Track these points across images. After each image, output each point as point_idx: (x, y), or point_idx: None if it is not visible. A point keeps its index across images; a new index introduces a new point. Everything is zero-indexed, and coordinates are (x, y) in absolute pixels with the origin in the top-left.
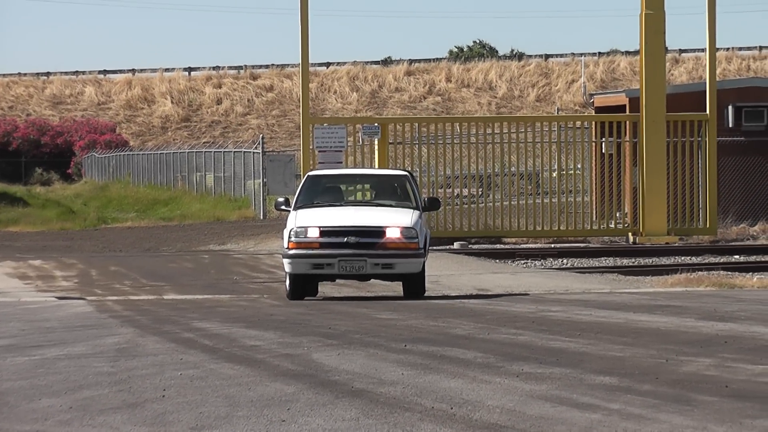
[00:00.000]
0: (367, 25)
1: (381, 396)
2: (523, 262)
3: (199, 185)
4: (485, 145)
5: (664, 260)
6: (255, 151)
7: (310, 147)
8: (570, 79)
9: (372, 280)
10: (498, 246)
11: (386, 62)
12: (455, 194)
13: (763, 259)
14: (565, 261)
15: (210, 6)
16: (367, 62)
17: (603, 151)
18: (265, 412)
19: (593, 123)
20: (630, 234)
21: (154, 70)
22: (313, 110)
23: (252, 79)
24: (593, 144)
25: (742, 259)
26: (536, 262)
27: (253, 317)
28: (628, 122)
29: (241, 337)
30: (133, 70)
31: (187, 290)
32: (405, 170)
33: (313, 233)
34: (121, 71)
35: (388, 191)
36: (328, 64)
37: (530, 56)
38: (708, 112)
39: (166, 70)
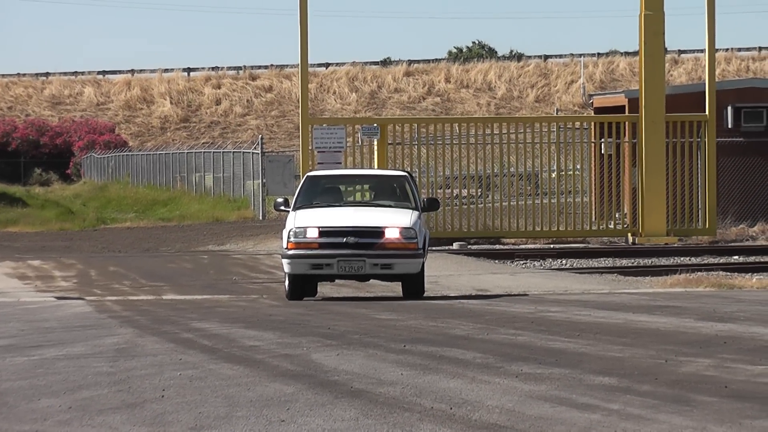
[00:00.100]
0: (366, 25)
1: (380, 396)
2: (522, 262)
3: (198, 186)
4: (484, 145)
5: (664, 261)
6: (254, 151)
7: (310, 147)
8: (569, 79)
9: (371, 280)
10: (497, 246)
11: (385, 63)
12: (454, 195)
13: (762, 260)
14: (564, 261)
15: (209, 6)
16: (366, 63)
17: (602, 151)
18: (264, 413)
19: (592, 124)
20: (629, 234)
21: (153, 71)
22: (312, 111)
23: (251, 80)
24: (592, 145)
25: (741, 259)
26: (535, 262)
27: (252, 317)
28: (627, 123)
29: (240, 338)
30: (132, 71)
31: (186, 290)
32: (404, 171)
33: (312, 233)
34: (120, 72)
35: (387, 192)
36: (327, 65)
37: (529, 57)
38: (707, 112)
39: (165, 70)
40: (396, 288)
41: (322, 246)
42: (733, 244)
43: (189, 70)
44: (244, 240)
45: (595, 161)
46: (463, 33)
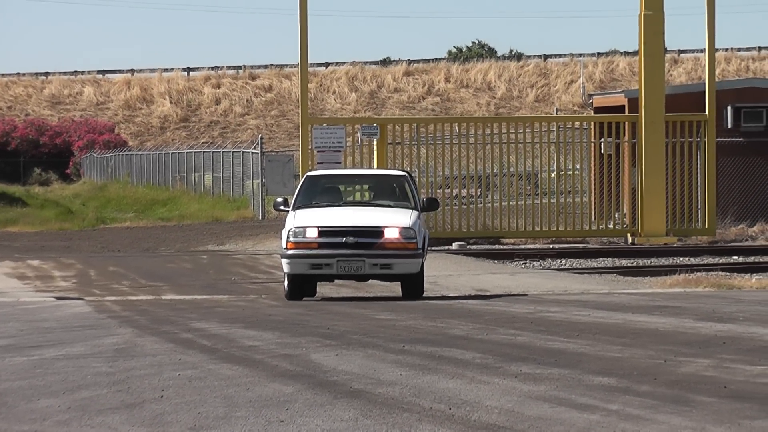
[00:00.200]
0: (366, 25)
1: (379, 396)
2: (521, 262)
3: (198, 185)
4: (484, 145)
5: (663, 261)
6: (254, 151)
7: (309, 147)
8: (569, 79)
9: (370, 280)
10: (497, 246)
11: (385, 62)
12: (454, 195)
13: (761, 260)
14: (563, 261)
15: (209, 6)
16: (366, 62)
17: (602, 151)
18: (263, 413)
19: (592, 123)
20: (629, 234)
21: (152, 70)
22: (312, 110)
23: (251, 79)
24: (592, 144)
25: (740, 259)
26: (535, 262)
27: (251, 317)
28: (626, 123)
29: (239, 338)
30: (131, 70)
31: (185, 290)
32: (404, 171)
33: (312, 233)
34: (119, 71)
35: (386, 192)
36: (327, 65)
37: (529, 57)
38: (707, 112)
39: (165, 70)
40: (395, 288)
41: (321, 246)
42: (732, 244)
43: (189, 69)
44: (243, 240)
45: (594, 161)
46: (462, 33)
